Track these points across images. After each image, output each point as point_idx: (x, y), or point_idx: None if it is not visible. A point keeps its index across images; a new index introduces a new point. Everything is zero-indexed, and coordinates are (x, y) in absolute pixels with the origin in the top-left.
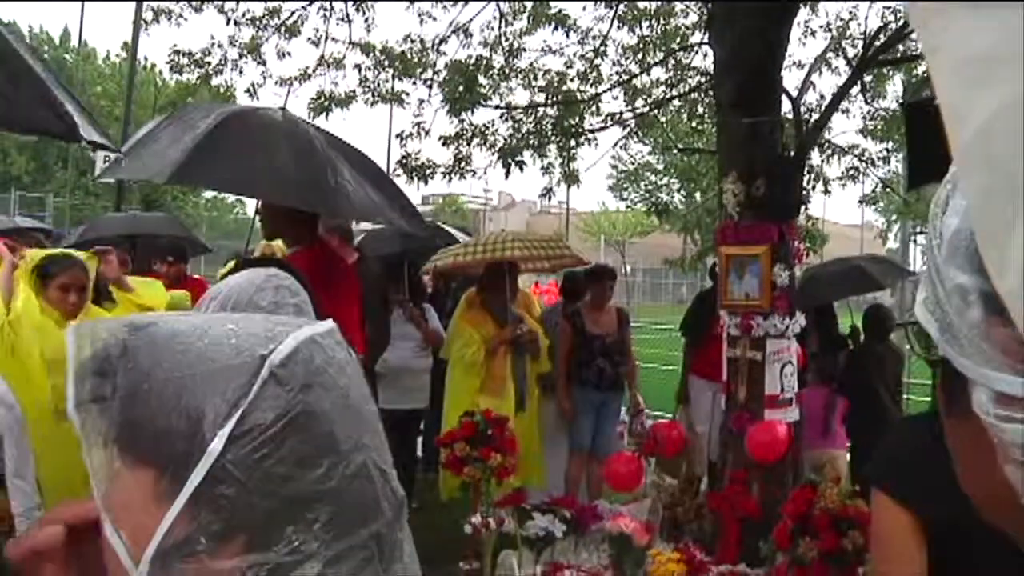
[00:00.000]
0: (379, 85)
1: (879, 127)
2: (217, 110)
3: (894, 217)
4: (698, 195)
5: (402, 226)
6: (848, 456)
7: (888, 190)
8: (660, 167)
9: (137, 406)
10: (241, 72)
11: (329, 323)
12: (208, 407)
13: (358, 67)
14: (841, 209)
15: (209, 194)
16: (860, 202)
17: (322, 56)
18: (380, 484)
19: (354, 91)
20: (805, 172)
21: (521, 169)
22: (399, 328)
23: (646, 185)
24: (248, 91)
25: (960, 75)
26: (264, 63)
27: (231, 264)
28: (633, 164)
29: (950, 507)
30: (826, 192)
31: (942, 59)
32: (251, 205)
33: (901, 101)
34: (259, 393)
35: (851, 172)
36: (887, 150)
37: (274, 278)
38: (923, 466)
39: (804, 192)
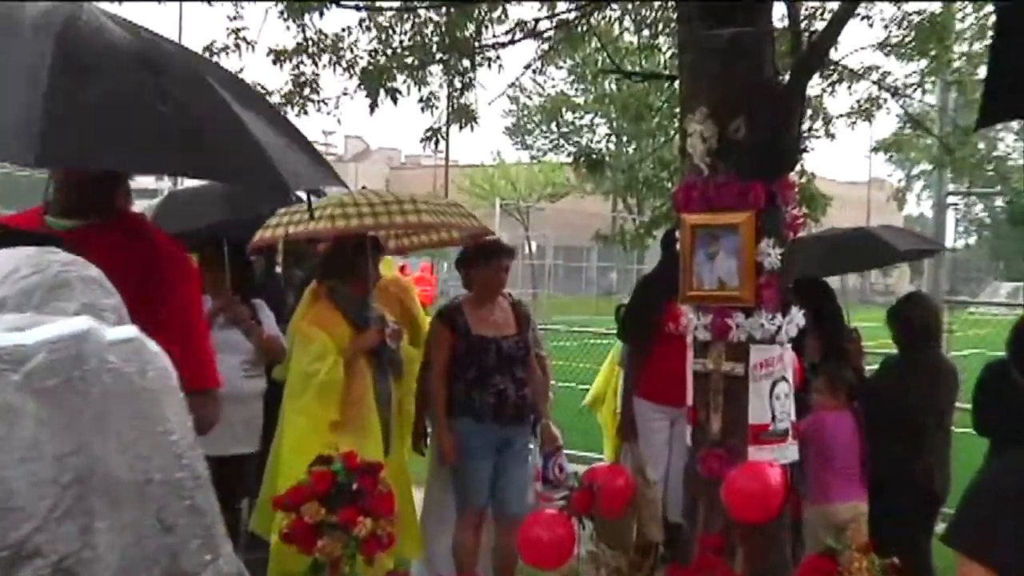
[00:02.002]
0: None
1: (907, 40)
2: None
3: (918, 171)
4: (643, 143)
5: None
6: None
7: (918, 132)
8: (580, 99)
9: None
10: None
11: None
12: None
13: None
14: (840, 160)
15: None
16: (874, 150)
17: None
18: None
19: None
20: (803, 107)
21: (395, 100)
22: (218, 335)
23: (561, 127)
24: None
25: None
26: None
27: None
28: (543, 97)
29: None
30: (828, 135)
31: None
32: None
33: None
34: None
35: (865, 106)
36: (919, 72)
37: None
38: None
39: (802, 135)
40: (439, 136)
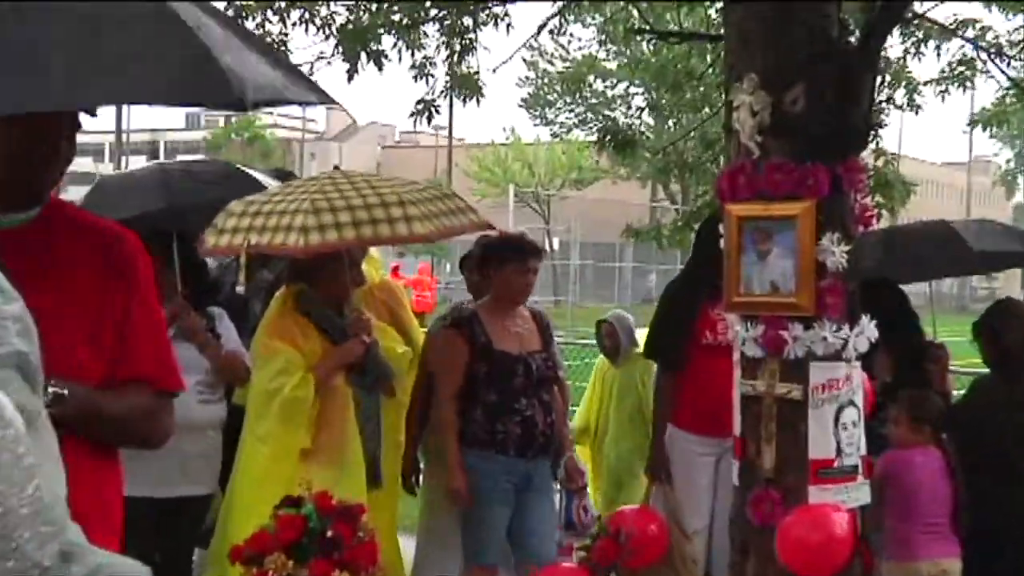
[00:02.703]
0: None
1: None
2: None
3: None
4: (684, 117)
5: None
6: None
7: None
8: (613, 65)
9: None
10: None
11: None
12: None
13: None
14: (936, 138)
15: None
16: (971, 124)
17: None
18: None
19: None
20: (879, 72)
21: (380, 66)
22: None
23: (589, 98)
24: None
25: None
26: None
27: None
28: (567, 63)
29: None
30: (912, 107)
31: None
32: None
33: None
34: None
35: (959, 70)
36: None
37: None
38: None
39: (876, 108)
40: (432, 109)
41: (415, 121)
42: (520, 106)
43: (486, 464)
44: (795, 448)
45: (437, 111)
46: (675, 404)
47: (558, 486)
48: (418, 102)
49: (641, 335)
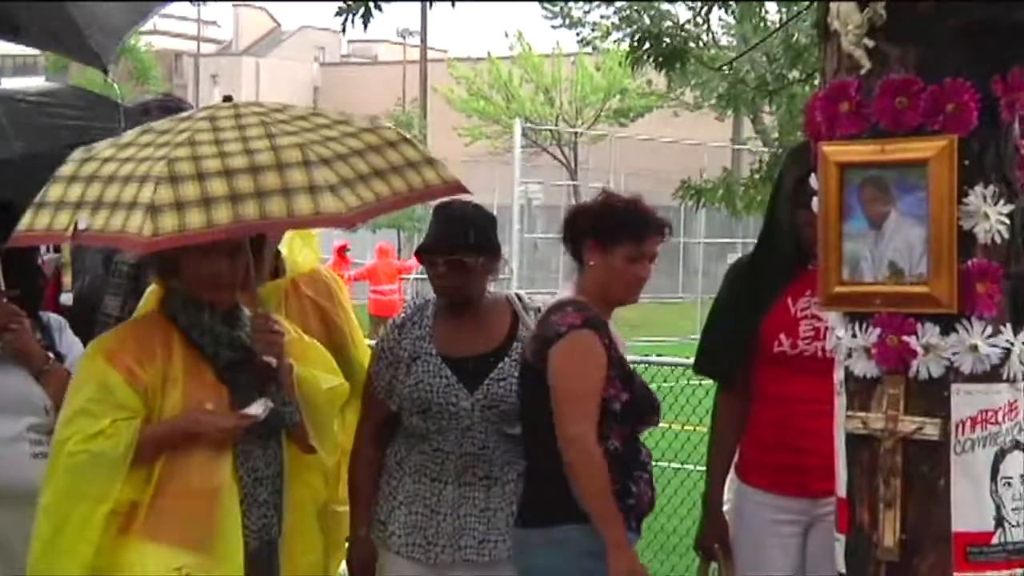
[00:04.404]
0: None
1: None
2: None
3: None
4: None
5: None
6: None
7: None
8: None
9: None
10: None
11: None
12: None
13: None
14: None
15: None
16: None
17: None
18: None
19: None
20: None
21: None
22: None
23: None
24: None
25: None
26: None
27: None
28: None
29: None
30: None
31: None
32: None
33: None
34: None
35: None
36: None
37: None
38: None
39: None
40: (371, 4)
41: (345, 22)
42: None
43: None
44: (931, 516)
45: (378, 7)
46: (737, 447)
47: None
48: None
49: None
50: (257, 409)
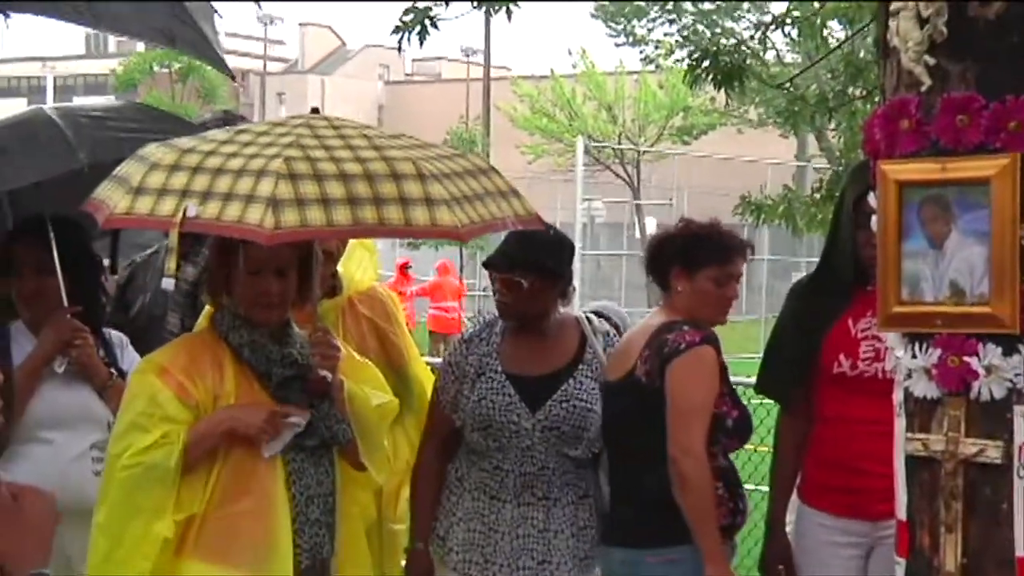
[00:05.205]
0: None
1: None
2: None
3: None
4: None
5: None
6: None
7: None
8: None
9: None
10: None
11: None
12: None
13: None
14: None
15: None
16: None
17: None
18: None
19: None
20: None
21: None
22: (50, 396)
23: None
24: None
25: None
26: None
27: None
28: None
29: None
30: None
31: None
32: None
33: None
34: None
35: None
36: None
37: None
38: None
39: None
40: (425, 23)
41: (402, 39)
42: (594, 16)
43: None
44: (993, 539)
45: (434, 25)
46: (799, 468)
47: None
48: (407, 12)
49: None
50: (296, 418)
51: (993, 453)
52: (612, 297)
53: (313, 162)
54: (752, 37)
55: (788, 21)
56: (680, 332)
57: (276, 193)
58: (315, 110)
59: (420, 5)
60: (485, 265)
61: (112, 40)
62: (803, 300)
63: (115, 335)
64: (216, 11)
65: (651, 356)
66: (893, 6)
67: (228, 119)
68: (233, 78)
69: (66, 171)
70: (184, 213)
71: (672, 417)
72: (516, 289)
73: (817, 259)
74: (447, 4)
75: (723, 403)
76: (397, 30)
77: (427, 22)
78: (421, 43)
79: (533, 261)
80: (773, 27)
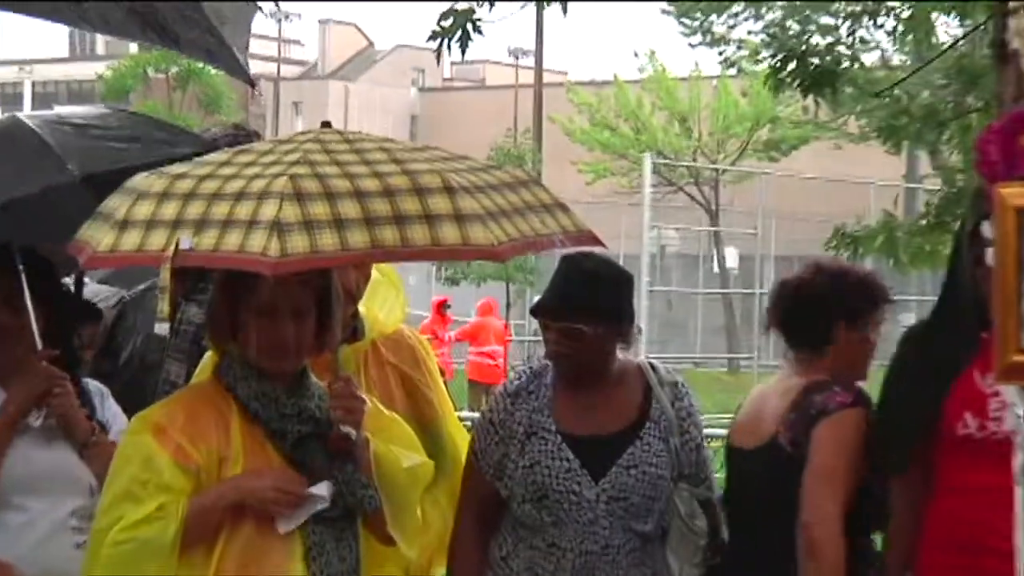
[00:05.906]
0: None
1: None
2: None
3: None
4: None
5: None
6: None
7: None
8: None
9: None
10: None
11: None
12: None
13: None
14: None
15: None
16: None
17: None
18: None
19: None
20: None
21: None
22: (27, 454)
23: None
24: None
25: None
26: None
27: None
28: None
29: None
30: None
31: None
32: None
33: None
34: None
35: None
36: None
37: None
38: None
39: None
40: (469, 26)
41: (440, 46)
42: (665, 12)
43: None
44: None
45: (477, 30)
46: (914, 543)
47: None
48: (445, 15)
49: None
50: (321, 490)
51: None
52: (686, 343)
53: (323, 179)
54: (849, 34)
55: (883, 12)
56: (830, 393)
57: (281, 216)
58: (327, 124)
59: (460, 6)
60: (534, 312)
61: (100, 41)
62: (919, 349)
63: (93, 384)
64: (260, 8)
65: (797, 420)
66: (1012, 4)
67: (239, 135)
68: (253, 86)
69: (53, 184)
70: (177, 245)
71: (809, 480)
72: (576, 338)
73: (931, 298)
74: (492, 4)
75: (867, 471)
76: (434, 36)
77: (469, 26)
78: (463, 51)
79: (596, 305)
80: (867, 18)
